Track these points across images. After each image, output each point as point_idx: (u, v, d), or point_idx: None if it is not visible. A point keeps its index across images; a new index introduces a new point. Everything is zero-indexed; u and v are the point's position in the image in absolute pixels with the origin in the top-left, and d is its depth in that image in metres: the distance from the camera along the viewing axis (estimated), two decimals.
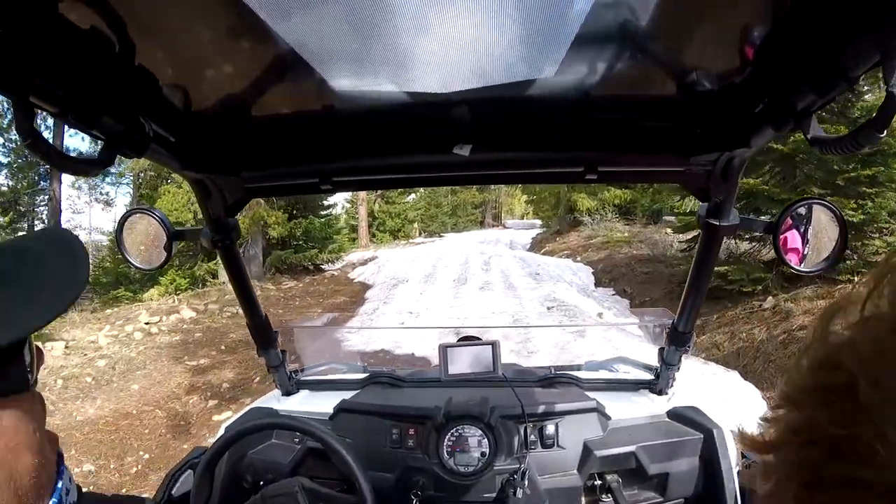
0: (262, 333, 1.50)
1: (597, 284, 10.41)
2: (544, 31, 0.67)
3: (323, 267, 14.24)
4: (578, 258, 13.12)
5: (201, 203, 1.17)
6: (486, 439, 1.35)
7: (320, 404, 1.54)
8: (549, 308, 7.82)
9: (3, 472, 0.38)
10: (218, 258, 12.13)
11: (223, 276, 12.57)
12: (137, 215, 1.20)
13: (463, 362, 1.61)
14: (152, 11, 0.64)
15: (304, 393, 1.71)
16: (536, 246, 18.16)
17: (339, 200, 21.88)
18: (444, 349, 1.61)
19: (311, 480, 1.25)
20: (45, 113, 0.66)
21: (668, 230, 12.82)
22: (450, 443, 1.35)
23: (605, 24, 0.68)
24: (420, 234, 25.65)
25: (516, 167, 1.16)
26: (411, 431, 1.40)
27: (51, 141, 0.66)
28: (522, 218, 38.33)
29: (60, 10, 0.58)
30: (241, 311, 1.48)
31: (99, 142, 0.78)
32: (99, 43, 0.65)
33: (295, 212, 13.73)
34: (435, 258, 14.20)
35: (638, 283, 9.55)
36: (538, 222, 26.91)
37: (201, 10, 0.66)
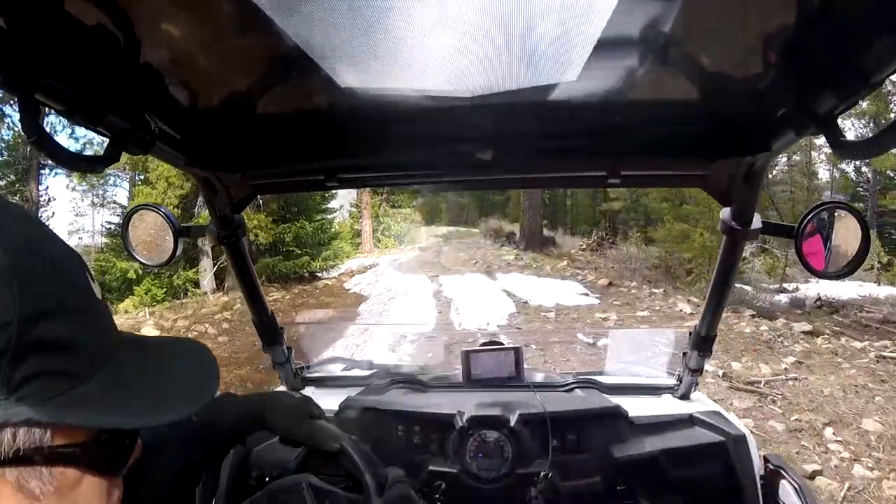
0: (268, 330, 1.52)
1: None
2: (566, 33, 0.69)
3: (318, 275, 12.95)
4: None
5: (207, 200, 1.19)
6: (509, 444, 1.36)
7: (327, 402, 1.47)
8: None
9: None
10: (199, 267, 10.98)
11: (207, 284, 11.27)
12: (143, 211, 1.20)
13: (485, 367, 1.62)
14: (158, 9, 0.66)
15: (310, 389, 1.71)
16: None
17: (343, 203, 20.58)
18: (466, 354, 1.63)
19: (317, 477, 1.22)
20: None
21: None
22: (473, 447, 1.37)
23: (627, 28, 0.69)
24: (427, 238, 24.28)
25: (537, 171, 1.17)
26: (433, 436, 1.41)
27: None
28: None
29: (66, 8, 0.60)
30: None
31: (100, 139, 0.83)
32: (105, 41, 0.66)
33: (288, 215, 12.40)
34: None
35: None
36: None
37: (207, 7, 0.67)
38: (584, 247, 15.81)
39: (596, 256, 14.72)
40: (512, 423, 1.36)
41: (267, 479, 1.32)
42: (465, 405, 1.42)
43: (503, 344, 1.66)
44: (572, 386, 1.61)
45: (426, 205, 34.93)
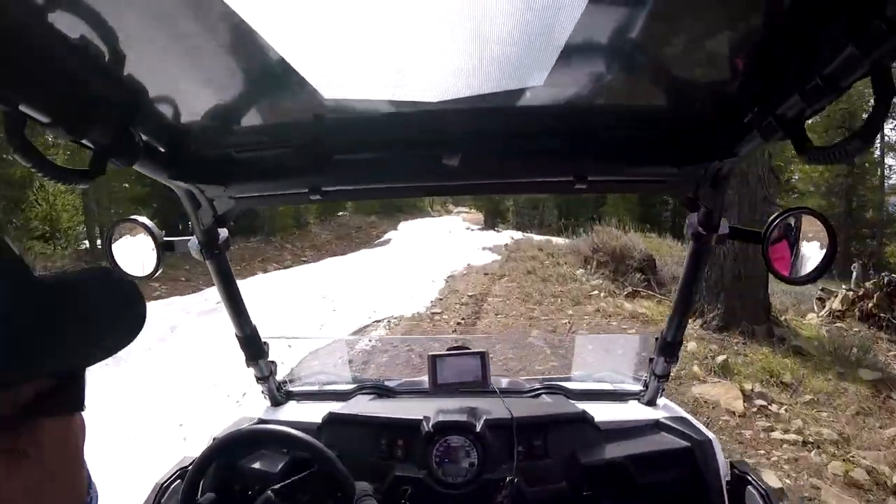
0: (251, 345, 1.52)
1: None
2: (533, 41, 0.70)
3: None
4: None
5: (191, 213, 1.20)
6: (474, 450, 1.38)
7: (309, 414, 1.56)
8: None
9: (73, 471, 0.43)
10: None
11: None
12: (127, 224, 1.20)
13: (452, 372, 1.63)
14: (142, 23, 0.67)
15: (292, 403, 1.72)
16: None
17: None
18: (432, 359, 1.64)
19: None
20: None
21: None
22: (438, 453, 1.38)
23: (594, 34, 0.70)
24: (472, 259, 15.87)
25: (506, 177, 1.17)
26: (400, 442, 1.43)
27: None
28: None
29: (50, 21, 0.61)
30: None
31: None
32: (89, 54, 0.67)
33: None
34: None
35: None
36: None
37: (191, 20, 0.68)
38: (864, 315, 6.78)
39: None
40: (478, 429, 1.38)
41: (249, 492, 1.33)
42: (431, 410, 1.45)
43: (469, 349, 1.66)
44: (539, 391, 1.63)
45: (488, 201, 27.24)
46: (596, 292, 7.77)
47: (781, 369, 5.11)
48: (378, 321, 6.63)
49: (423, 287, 8.57)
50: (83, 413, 0.43)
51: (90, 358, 0.40)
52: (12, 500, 0.35)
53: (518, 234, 16.76)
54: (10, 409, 0.35)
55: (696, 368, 4.84)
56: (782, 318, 6.69)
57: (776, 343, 5.89)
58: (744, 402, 4.22)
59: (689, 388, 4.49)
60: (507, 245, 13.68)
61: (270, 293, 7.98)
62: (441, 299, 7.90)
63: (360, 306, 7.29)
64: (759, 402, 4.31)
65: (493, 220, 25.42)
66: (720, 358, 5.03)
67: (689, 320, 6.28)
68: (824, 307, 8.08)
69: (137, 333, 0.44)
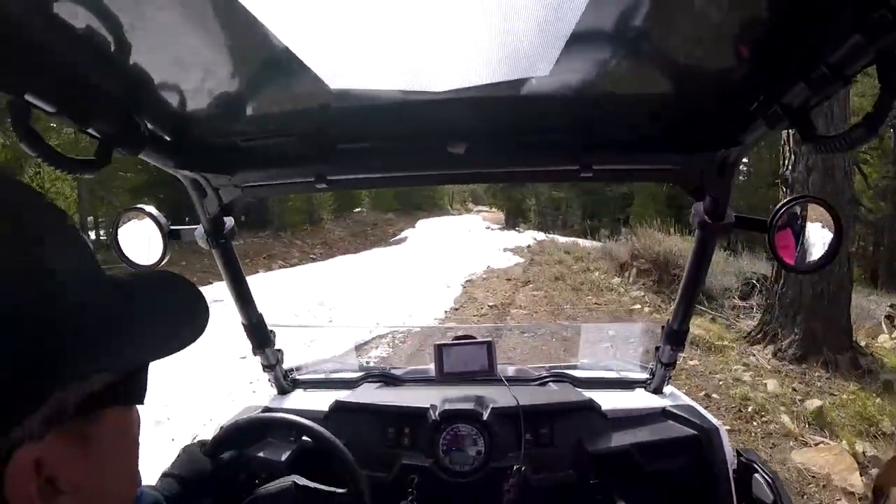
0: (258, 333, 1.51)
1: None
2: (539, 28, 0.68)
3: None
4: None
5: (196, 202, 1.20)
6: (481, 438, 1.37)
7: (316, 402, 1.55)
8: None
9: (130, 460, 0.45)
10: None
11: None
12: (133, 213, 1.20)
13: (458, 361, 1.61)
14: (147, 11, 0.66)
15: (298, 391, 1.71)
16: None
17: None
18: (438, 348, 1.63)
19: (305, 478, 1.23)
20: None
21: None
22: (445, 441, 1.38)
23: (600, 22, 0.69)
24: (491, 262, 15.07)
25: (511, 165, 1.15)
26: (407, 430, 1.42)
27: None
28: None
29: (55, 10, 0.60)
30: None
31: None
32: (93, 43, 0.66)
33: None
34: None
35: None
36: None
37: (196, 9, 0.67)
38: None
39: None
40: (485, 417, 1.38)
41: (256, 480, 1.29)
42: (438, 399, 1.44)
43: (475, 338, 1.65)
44: (545, 380, 1.63)
45: (509, 200, 26.12)
46: (638, 306, 6.71)
47: (878, 413, 4.02)
48: (381, 336, 5.56)
49: (438, 294, 7.57)
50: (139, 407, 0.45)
51: (154, 355, 0.43)
52: (79, 482, 0.37)
53: (541, 235, 15.89)
54: (82, 397, 0.37)
55: (786, 419, 3.75)
56: (863, 344, 5.61)
57: (864, 376, 4.83)
58: (860, 473, 3.12)
59: (788, 454, 3.34)
60: (529, 246, 12.75)
61: (263, 295, 7.01)
62: (457, 309, 6.88)
63: (362, 316, 6.35)
64: (876, 471, 3.22)
65: (514, 220, 24.29)
66: (812, 404, 3.97)
67: (760, 347, 5.26)
68: (895, 326, 7.18)
69: (199, 335, 0.46)
